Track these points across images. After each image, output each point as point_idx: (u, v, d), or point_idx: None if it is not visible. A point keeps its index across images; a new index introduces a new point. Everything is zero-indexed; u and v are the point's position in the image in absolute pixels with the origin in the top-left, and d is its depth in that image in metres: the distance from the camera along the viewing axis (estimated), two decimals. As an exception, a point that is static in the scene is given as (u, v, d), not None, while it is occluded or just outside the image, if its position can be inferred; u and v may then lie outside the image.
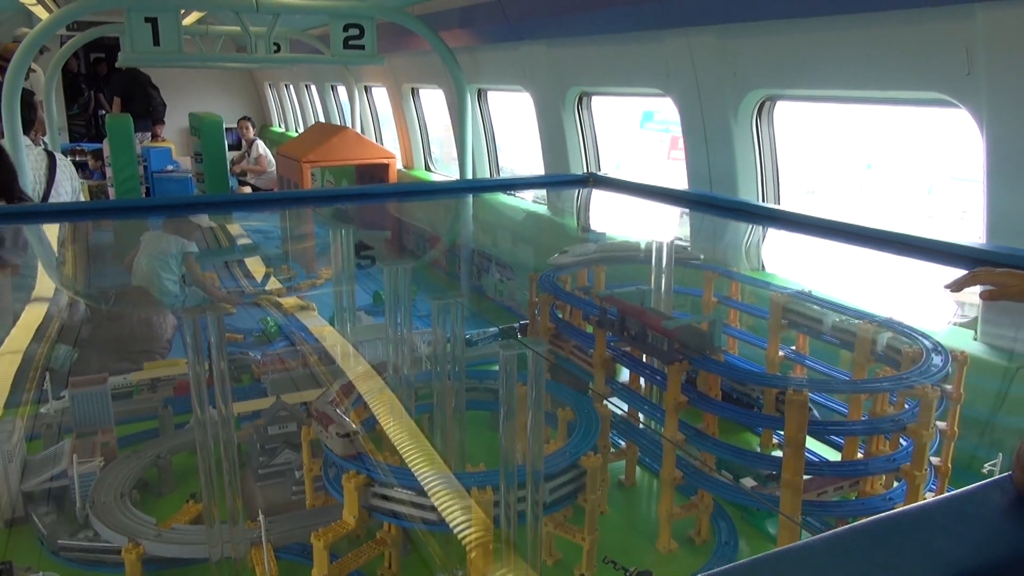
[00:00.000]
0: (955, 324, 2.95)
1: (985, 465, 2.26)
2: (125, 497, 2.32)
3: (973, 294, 2.73)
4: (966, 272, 1.59)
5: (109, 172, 8.74)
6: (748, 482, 2.32)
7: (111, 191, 8.70)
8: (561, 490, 2.02)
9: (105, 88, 13.79)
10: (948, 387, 2.24)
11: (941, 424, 2.24)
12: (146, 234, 5.06)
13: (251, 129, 12.15)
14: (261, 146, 11.95)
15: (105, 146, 8.81)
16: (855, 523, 0.86)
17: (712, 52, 3.99)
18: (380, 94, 9.84)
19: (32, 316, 3.56)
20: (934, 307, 3.01)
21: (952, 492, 0.93)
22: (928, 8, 2.93)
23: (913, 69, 3.13)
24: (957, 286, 1.52)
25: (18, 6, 8.71)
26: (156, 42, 5.07)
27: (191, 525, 2.22)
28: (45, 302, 3.79)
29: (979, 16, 2.77)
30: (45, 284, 3.94)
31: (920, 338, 2.41)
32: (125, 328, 4.01)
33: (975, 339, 2.91)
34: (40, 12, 8.64)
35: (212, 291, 4.93)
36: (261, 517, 2.01)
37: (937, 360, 2.20)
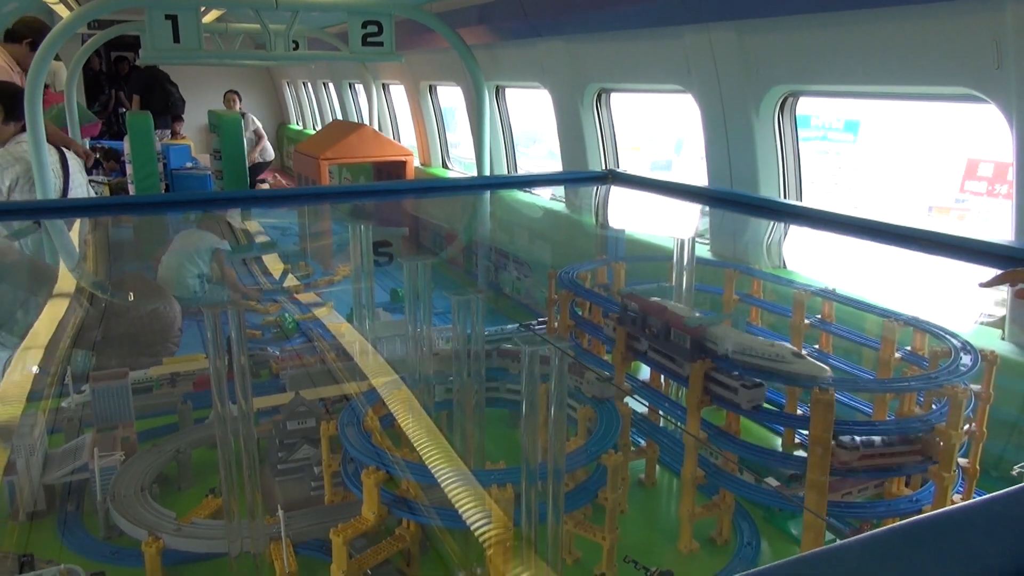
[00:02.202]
0: (982, 324, 2.91)
1: (1015, 467, 2.22)
2: (145, 491, 2.33)
3: (1000, 292, 2.69)
4: (1000, 271, 1.56)
5: (129, 169, 8.80)
6: (770, 482, 2.29)
7: (131, 188, 8.77)
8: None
9: (125, 86, 13.90)
10: (976, 387, 2.20)
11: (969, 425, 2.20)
12: (182, 232, 5.10)
13: (238, 102, 11.97)
14: (252, 120, 11.89)
15: (125, 143, 8.88)
16: (894, 524, 0.83)
17: (733, 48, 3.95)
18: (398, 92, 9.85)
19: (54, 311, 3.59)
20: (960, 306, 2.97)
21: (993, 494, 0.90)
22: (955, 1, 2.88)
23: (940, 63, 3.08)
24: (990, 283, 1.49)
25: (40, 5, 8.80)
26: (176, 39, 5.09)
27: (210, 520, 2.22)
28: (66, 297, 3.82)
29: (1008, 8, 2.71)
30: (66, 279, 3.96)
31: (947, 337, 2.36)
32: (135, 322, 4.01)
33: (1002, 339, 2.86)
34: (61, 10, 8.73)
35: (241, 289, 4.95)
36: (280, 512, 2.00)
37: (966, 359, 2.16)
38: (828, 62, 3.56)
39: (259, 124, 12.03)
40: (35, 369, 3.04)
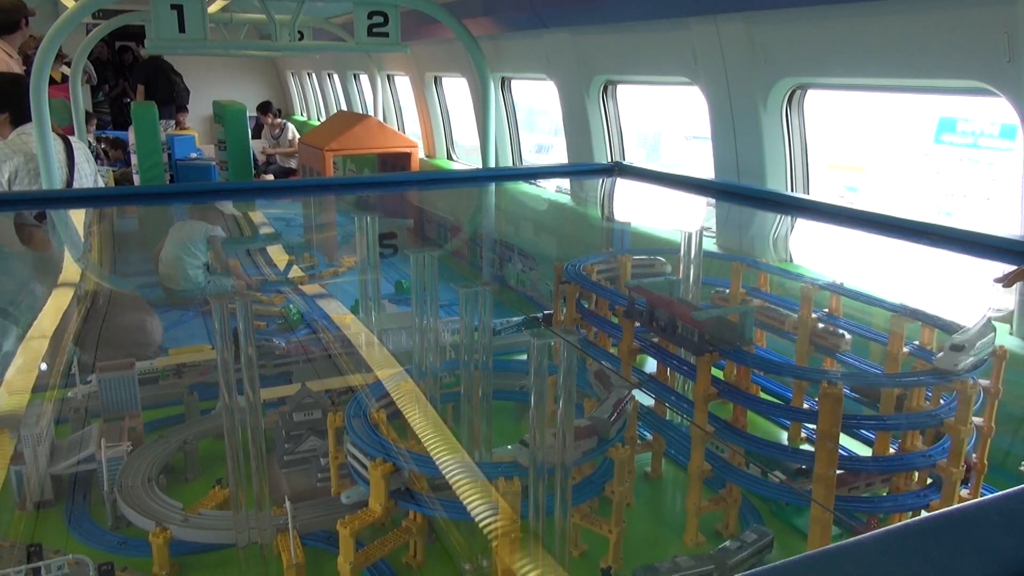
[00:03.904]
0: (990, 318, 2.89)
1: (1022, 463, 2.21)
2: (152, 482, 2.33)
3: (1009, 288, 2.67)
4: (1013, 267, 1.54)
5: (134, 159, 8.81)
6: (776, 476, 2.29)
7: (136, 178, 8.77)
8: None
9: (129, 76, 13.90)
10: (985, 382, 2.19)
11: (977, 420, 2.19)
12: (175, 224, 5.09)
13: (269, 116, 12.28)
14: (292, 129, 12.28)
15: (130, 133, 8.88)
16: (910, 520, 0.83)
17: (741, 40, 3.93)
18: (403, 83, 9.82)
19: (59, 301, 3.59)
20: (968, 300, 2.95)
21: (1010, 490, 0.90)
22: (966, -7, 2.86)
23: (950, 56, 3.05)
24: (1008, 281, 1.47)
25: (45, -6, 8.78)
26: (181, 29, 5.07)
27: (217, 511, 2.23)
28: (71, 287, 3.82)
29: (1020, 0, 2.69)
30: (72, 270, 3.96)
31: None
32: (120, 329, 3.97)
33: (1011, 333, 2.85)
34: (67, 0, 8.71)
35: (239, 275, 4.95)
36: (287, 504, 2.00)
37: (975, 354, 2.15)
38: (837, 54, 3.54)
39: (297, 134, 12.38)
40: (42, 360, 3.04)
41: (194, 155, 10.28)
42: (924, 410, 2.23)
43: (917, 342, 2.48)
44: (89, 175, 4.82)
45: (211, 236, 4.97)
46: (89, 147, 7.40)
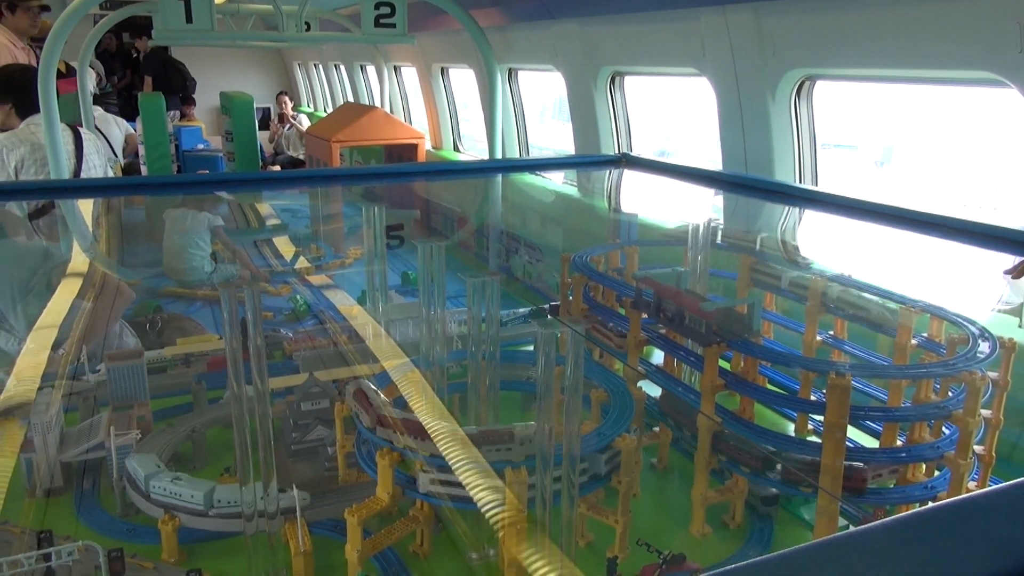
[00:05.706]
0: (999, 311, 2.88)
1: (1031, 455, 2.21)
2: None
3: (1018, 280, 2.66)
4: (1022, 259, 1.54)
5: (141, 150, 8.82)
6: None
7: (143, 169, 8.78)
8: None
9: (138, 68, 13.93)
10: (994, 374, 2.18)
11: (985, 412, 2.19)
12: (168, 211, 5.10)
13: (288, 104, 12.68)
14: (304, 120, 12.80)
15: (138, 124, 8.88)
16: (918, 509, 0.83)
17: (750, 30, 3.90)
18: (409, 74, 9.81)
19: (67, 290, 3.60)
20: (977, 293, 2.94)
21: (1019, 480, 0.89)
22: (978, -17, 2.83)
23: (960, 47, 3.03)
24: (1017, 272, 1.47)
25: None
26: (188, 20, 5.07)
27: (225, 499, 2.23)
28: (80, 277, 3.84)
29: (1033, -9, 2.67)
30: (80, 259, 3.98)
31: (965, 324, 2.34)
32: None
33: (1020, 326, 2.84)
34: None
35: (246, 263, 4.97)
36: (295, 492, 2.01)
37: (984, 346, 2.14)
38: (847, 45, 3.52)
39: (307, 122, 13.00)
40: (51, 349, 3.06)
41: (201, 146, 10.30)
42: (932, 402, 2.23)
43: (925, 334, 2.48)
44: (98, 166, 4.83)
45: (214, 227, 4.99)
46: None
